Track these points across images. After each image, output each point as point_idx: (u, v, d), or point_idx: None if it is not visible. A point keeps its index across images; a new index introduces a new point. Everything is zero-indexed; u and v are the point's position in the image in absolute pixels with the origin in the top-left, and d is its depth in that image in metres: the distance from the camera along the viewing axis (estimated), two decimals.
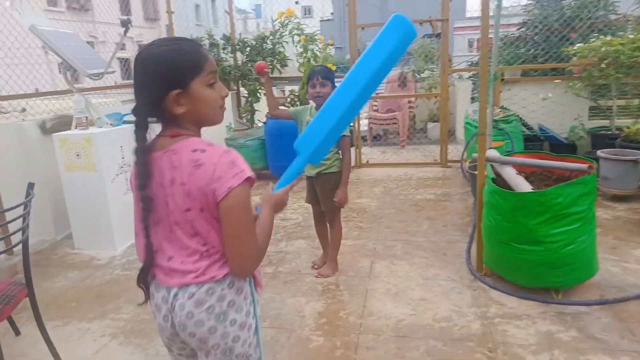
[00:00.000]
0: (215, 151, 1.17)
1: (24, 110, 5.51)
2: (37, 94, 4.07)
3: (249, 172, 1.16)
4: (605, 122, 5.52)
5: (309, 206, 3.44)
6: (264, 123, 5.86)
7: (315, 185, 3.13)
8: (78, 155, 3.69)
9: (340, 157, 3.06)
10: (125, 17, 3.54)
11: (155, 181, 1.19)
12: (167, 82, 1.13)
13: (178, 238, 1.22)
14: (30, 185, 2.20)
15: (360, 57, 1.53)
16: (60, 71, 3.85)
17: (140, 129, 1.17)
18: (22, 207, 2.15)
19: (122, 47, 3.99)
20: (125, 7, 21.82)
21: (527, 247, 2.60)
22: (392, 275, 3.17)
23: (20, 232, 2.15)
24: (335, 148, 3.02)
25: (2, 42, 5.13)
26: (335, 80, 3.01)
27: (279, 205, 1.42)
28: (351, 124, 3.91)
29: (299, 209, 4.71)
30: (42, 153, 4.04)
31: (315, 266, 3.36)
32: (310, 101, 3.10)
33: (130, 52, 21.57)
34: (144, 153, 1.17)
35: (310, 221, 4.30)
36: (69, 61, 3.50)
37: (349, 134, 3.17)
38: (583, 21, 6.47)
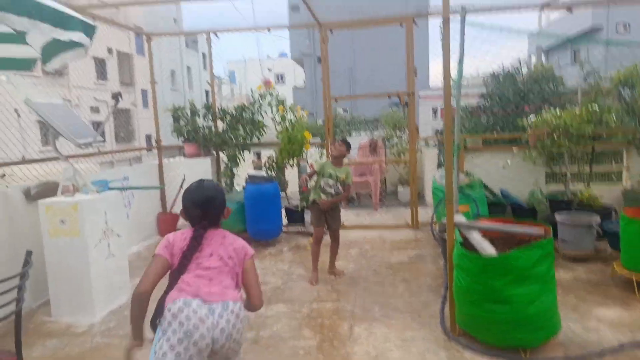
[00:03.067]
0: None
1: (3, 175, 5.56)
2: (25, 162, 4.17)
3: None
4: (561, 187, 5.98)
5: (289, 269, 4.86)
6: (243, 188, 6.05)
7: (327, 213, 4.51)
8: (63, 221, 3.76)
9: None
10: (116, 91, 3.78)
11: (209, 248, 2.07)
12: (224, 207, 2.17)
13: (220, 277, 2.03)
14: (29, 253, 2.29)
15: None
16: (48, 140, 3.99)
17: (213, 225, 2.12)
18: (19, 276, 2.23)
19: (109, 113, 4.19)
20: (101, 72, 22.30)
21: (495, 306, 2.80)
22: (371, 338, 3.29)
23: (15, 302, 2.20)
24: (340, 192, 4.50)
25: None
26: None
27: None
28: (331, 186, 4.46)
29: (277, 272, 4.81)
30: (25, 219, 4.08)
31: (313, 282, 4.42)
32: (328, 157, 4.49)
33: (103, 116, 21.80)
34: (200, 240, 2.06)
35: (290, 284, 4.43)
36: (61, 132, 3.68)
37: (351, 183, 4.62)
38: (535, 95, 7.15)
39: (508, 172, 6.19)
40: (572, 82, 8.12)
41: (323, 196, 4.49)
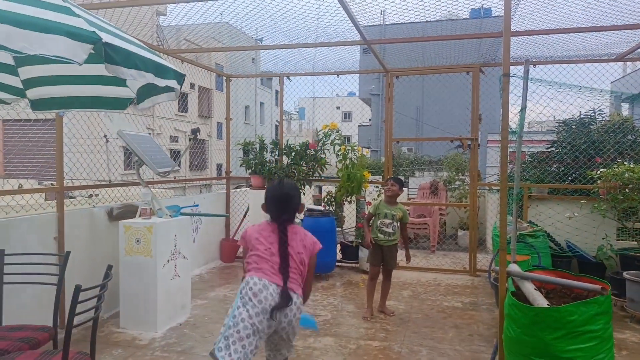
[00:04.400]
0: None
1: (91, 196, 6.22)
2: (110, 185, 4.68)
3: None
4: (634, 244, 5.63)
5: (339, 304, 5.02)
6: (301, 220, 6.28)
7: (385, 251, 4.63)
8: (138, 241, 4.15)
9: (397, 237, 4.72)
10: (195, 127, 4.19)
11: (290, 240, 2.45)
12: (299, 204, 2.56)
13: (293, 269, 2.41)
14: (109, 267, 2.61)
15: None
16: (133, 166, 4.47)
17: (290, 220, 2.50)
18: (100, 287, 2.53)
19: (186, 147, 4.63)
20: (183, 105, 24.08)
21: None
22: None
23: (93, 310, 2.49)
24: (397, 230, 4.66)
25: (72, 133, 5.91)
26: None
27: None
28: (383, 226, 4.58)
29: (328, 306, 4.92)
30: (106, 236, 4.56)
31: (367, 318, 4.53)
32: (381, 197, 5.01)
33: (181, 145, 23.35)
34: (287, 230, 2.44)
35: (339, 319, 4.51)
36: (145, 161, 4.13)
37: (408, 221, 4.82)
38: (609, 145, 6.84)
39: (575, 224, 5.94)
40: None
41: (381, 236, 4.60)
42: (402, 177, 5.22)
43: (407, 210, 8.60)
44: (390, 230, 4.61)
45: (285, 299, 2.32)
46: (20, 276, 3.04)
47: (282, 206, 2.47)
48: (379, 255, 4.66)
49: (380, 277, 4.75)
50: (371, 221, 4.78)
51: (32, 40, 1.70)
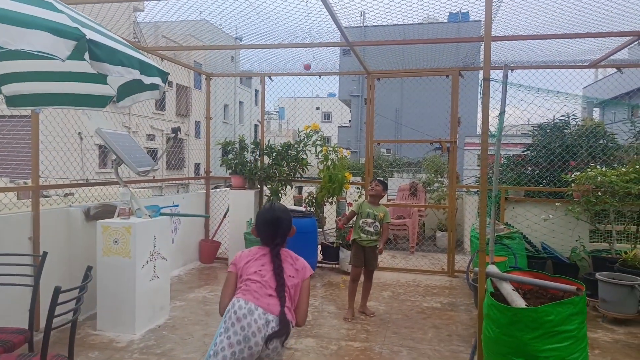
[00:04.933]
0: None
1: (67, 195, 6.07)
2: (88, 184, 4.58)
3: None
4: (606, 245, 5.80)
5: (320, 305, 5.03)
6: None
7: (367, 252, 4.67)
8: (116, 241, 4.08)
9: (379, 237, 4.73)
10: (176, 125, 4.13)
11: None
12: (290, 227, 2.48)
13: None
14: (89, 268, 2.55)
15: None
16: (112, 165, 4.38)
17: (282, 245, 2.43)
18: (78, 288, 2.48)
19: (167, 147, 4.56)
20: (160, 103, 23.72)
21: None
22: None
23: (72, 312, 2.44)
24: (379, 230, 4.66)
25: (48, 130, 5.76)
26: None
27: None
28: (364, 228, 4.62)
29: (309, 307, 4.91)
30: (83, 236, 4.45)
31: (349, 319, 4.53)
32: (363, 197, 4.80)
33: (158, 143, 23.00)
34: (279, 256, 2.37)
35: (320, 320, 4.52)
36: (123, 160, 4.05)
37: (389, 221, 4.84)
38: (582, 149, 7.04)
39: (550, 226, 6.09)
40: (625, 139, 7.93)
41: (363, 235, 4.63)
42: (381, 178, 5.36)
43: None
44: (372, 229, 4.64)
45: (284, 325, 2.21)
46: None
47: (274, 230, 2.42)
48: (361, 256, 4.69)
49: (362, 277, 4.78)
50: (352, 220, 4.82)
51: (14, 35, 1.66)
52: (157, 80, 2.47)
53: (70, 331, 2.48)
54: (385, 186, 4.84)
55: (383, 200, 7.08)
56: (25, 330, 2.86)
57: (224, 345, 2.16)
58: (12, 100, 3.30)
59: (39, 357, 2.30)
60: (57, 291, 2.12)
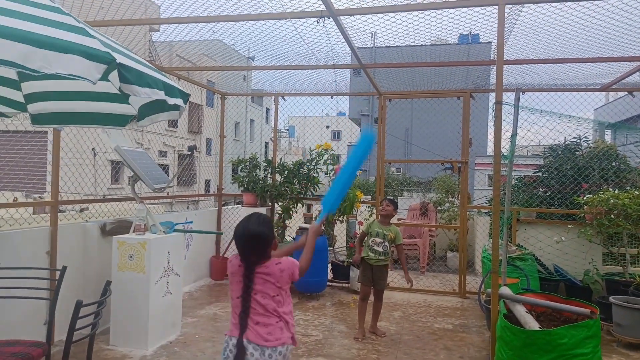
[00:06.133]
0: (286, 261, 2.31)
1: (83, 210, 6.18)
2: (104, 200, 4.66)
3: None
4: (619, 269, 5.74)
5: (330, 324, 5.04)
6: (293, 239, 6.30)
7: (375, 271, 4.64)
8: (131, 257, 4.14)
9: (388, 257, 4.71)
10: (192, 144, 4.23)
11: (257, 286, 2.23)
12: (271, 242, 2.29)
13: (266, 314, 2.22)
14: (108, 283, 2.61)
15: (348, 156, 2.82)
16: (129, 182, 4.47)
17: (258, 263, 2.25)
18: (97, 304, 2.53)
19: (168, 156, 4.65)
20: (173, 120, 24.09)
21: None
22: None
23: (90, 327, 2.49)
24: (388, 251, 4.65)
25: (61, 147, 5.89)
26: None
27: (318, 232, 2.53)
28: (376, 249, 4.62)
29: (319, 326, 4.91)
30: (98, 251, 4.53)
31: (359, 339, 4.51)
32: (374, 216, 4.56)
33: (170, 160, 23.24)
34: (253, 276, 2.22)
35: (331, 340, 4.51)
36: (140, 176, 4.14)
37: (401, 242, 4.76)
38: (594, 171, 7.02)
39: (562, 248, 6.05)
40: (638, 162, 7.90)
41: (371, 254, 4.64)
42: (392, 198, 5.38)
43: None
44: (380, 249, 4.64)
45: (239, 351, 2.17)
46: (13, 290, 3.01)
47: (249, 247, 2.24)
48: (369, 274, 4.69)
49: (372, 297, 4.77)
50: (364, 240, 4.84)
51: (50, 60, 1.75)
52: (179, 101, 2.56)
53: (88, 345, 2.53)
54: (395, 205, 4.86)
55: (394, 220, 7.09)
56: (43, 344, 2.90)
57: None
58: (37, 118, 3.41)
59: None
60: (79, 305, 2.18)
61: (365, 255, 4.69)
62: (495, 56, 3.66)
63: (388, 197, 5.09)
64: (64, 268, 3.13)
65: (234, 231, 2.32)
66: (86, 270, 4.45)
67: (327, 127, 44.36)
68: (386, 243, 4.64)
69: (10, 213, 4.64)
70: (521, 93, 6.50)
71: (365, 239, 4.78)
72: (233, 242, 2.37)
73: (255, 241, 2.24)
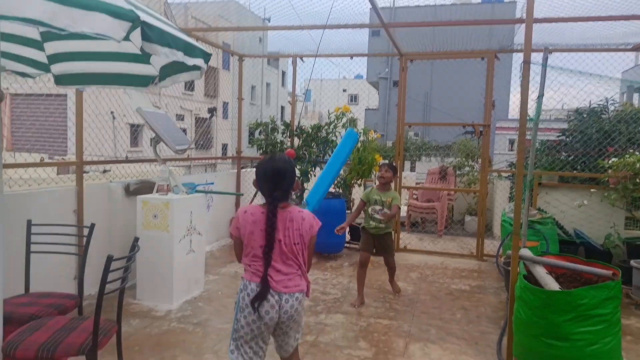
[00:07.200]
0: (307, 212, 2.37)
1: (105, 171, 6.31)
2: (128, 161, 4.75)
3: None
4: None
5: (348, 283, 5.11)
6: (306, 202, 6.35)
7: (377, 240, 4.54)
8: (155, 216, 4.24)
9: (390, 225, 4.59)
10: (212, 106, 4.23)
11: (281, 228, 2.25)
12: (294, 180, 2.33)
13: (286, 262, 2.27)
14: (136, 239, 2.69)
15: (333, 153, 2.99)
16: (151, 143, 4.53)
17: (282, 199, 2.26)
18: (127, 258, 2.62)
19: (185, 119, 4.67)
20: (189, 84, 24.02)
21: (554, 342, 2.82)
22: (425, 358, 3.39)
23: (120, 281, 2.58)
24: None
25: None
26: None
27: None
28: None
29: (337, 285, 5.02)
30: (123, 210, 4.65)
31: (355, 305, 4.38)
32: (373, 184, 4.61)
33: (187, 124, 23.34)
34: (276, 211, 2.23)
35: (349, 298, 4.61)
36: (163, 139, 4.19)
37: (398, 204, 4.55)
38: (621, 135, 6.84)
39: (584, 212, 5.99)
40: None
41: (372, 222, 4.50)
42: (394, 164, 5.01)
43: (415, 194, 8.73)
44: (379, 217, 4.46)
45: (263, 289, 2.19)
46: (45, 246, 3.13)
47: (274, 182, 2.24)
48: (370, 242, 4.54)
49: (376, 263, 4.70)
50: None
51: (76, 18, 1.75)
52: (199, 61, 2.54)
53: (119, 298, 2.64)
54: (395, 171, 4.59)
55: (411, 182, 7.03)
56: (75, 296, 3.04)
57: (242, 323, 2.27)
58: (60, 79, 3.45)
59: (91, 320, 2.46)
60: (110, 259, 2.26)
61: (367, 224, 4.55)
62: (522, 14, 3.53)
63: (384, 162, 4.84)
64: (93, 225, 3.23)
65: (256, 169, 2.34)
66: (111, 228, 4.59)
67: (344, 90, 43.75)
68: (385, 210, 4.45)
69: (38, 173, 4.77)
70: (549, 53, 6.29)
71: (365, 207, 4.62)
72: (252, 203, 2.43)
73: (281, 177, 2.26)
